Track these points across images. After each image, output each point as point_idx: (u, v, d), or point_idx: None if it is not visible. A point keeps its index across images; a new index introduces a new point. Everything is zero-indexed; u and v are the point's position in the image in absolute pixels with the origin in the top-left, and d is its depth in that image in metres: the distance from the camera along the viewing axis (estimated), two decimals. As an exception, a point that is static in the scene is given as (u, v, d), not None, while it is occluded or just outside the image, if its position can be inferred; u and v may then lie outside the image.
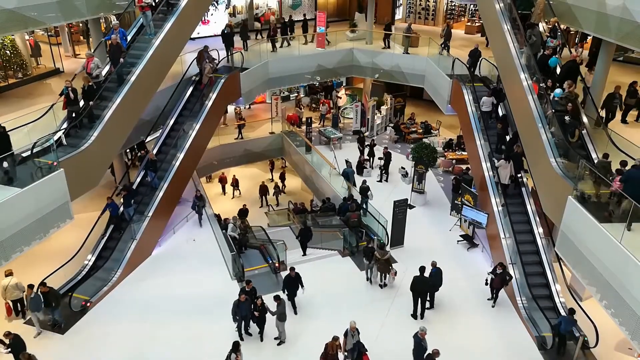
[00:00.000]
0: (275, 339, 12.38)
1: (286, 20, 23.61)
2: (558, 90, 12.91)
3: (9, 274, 12.73)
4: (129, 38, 15.66)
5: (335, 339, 10.93)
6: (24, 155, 11.54)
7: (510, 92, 15.49)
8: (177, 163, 16.39)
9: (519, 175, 15.15)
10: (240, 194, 24.12)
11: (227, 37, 19.83)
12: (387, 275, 14.36)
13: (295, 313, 13.26)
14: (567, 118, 12.33)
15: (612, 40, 13.16)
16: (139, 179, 16.33)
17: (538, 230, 14.19)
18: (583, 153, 12.07)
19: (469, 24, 29.92)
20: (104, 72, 14.72)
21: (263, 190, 23.37)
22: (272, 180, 25.87)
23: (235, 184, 23.70)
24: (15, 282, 12.70)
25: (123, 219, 15.22)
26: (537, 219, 14.36)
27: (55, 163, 11.50)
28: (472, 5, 30.14)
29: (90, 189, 13.73)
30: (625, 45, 13.10)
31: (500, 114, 17.24)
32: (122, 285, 14.29)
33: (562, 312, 12.72)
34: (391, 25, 23.90)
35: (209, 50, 18.85)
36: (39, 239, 11.25)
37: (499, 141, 16.30)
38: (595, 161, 11.58)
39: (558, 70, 13.96)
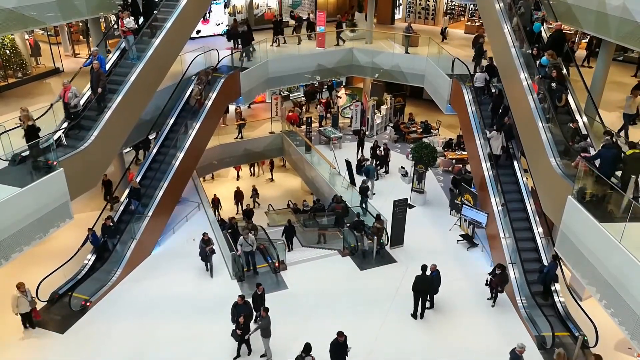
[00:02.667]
0: (262, 356, 11.97)
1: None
2: (544, 58, 13.60)
3: (19, 287, 12.06)
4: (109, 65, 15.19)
5: None
6: (23, 154, 11.55)
7: (510, 91, 15.50)
8: (177, 163, 16.39)
9: (510, 146, 15.79)
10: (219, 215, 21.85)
11: (245, 34, 20.20)
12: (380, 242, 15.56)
13: None
14: (553, 84, 12.99)
15: (612, 40, 13.17)
16: (121, 208, 15.65)
17: (538, 230, 14.20)
18: (569, 118, 12.90)
19: (468, 23, 29.93)
20: (82, 101, 13.72)
21: (238, 196, 22.43)
22: (272, 179, 25.87)
23: (217, 203, 21.48)
24: (16, 296, 11.99)
25: (106, 249, 14.56)
26: (537, 218, 14.38)
27: (55, 162, 11.50)
28: (472, 5, 30.13)
29: (90, 188, 13.72)
30: (625, 45, 13.12)
31: (493, 89, 17.57)
32: (121, 284, 14.28)
33: (562, 311, 12.77)
34: (342, 23, 24.16)
35: (209, 52, 18.86)
36: (38, 238, 11.25)
37: (492, 116, 16.82)
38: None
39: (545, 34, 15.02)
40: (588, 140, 11.86)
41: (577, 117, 13.03)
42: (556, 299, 13.03)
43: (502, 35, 15.69)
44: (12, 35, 19.69)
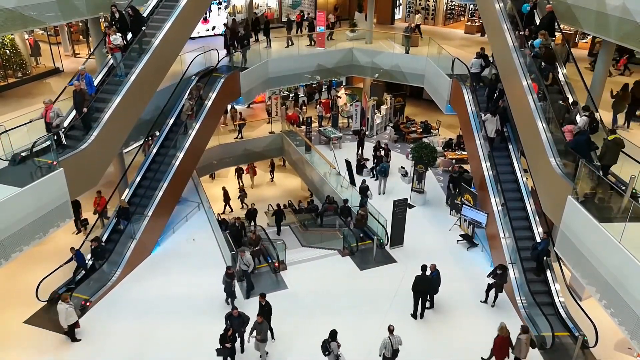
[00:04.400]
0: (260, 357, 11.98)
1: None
2: (537, 40, 13.95)
3: (64, 299, 11.86)
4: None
5: None
6: (23, 154, 11.54)
7: (510, 91, 15.50)
8: (177, 162, 16.39)
9: (505, 129, 16.30)
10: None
11: (243, 37, 20.11)
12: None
13: None
14: (542, 63, 13.47)
15: (612, 40, 13.18)
16: (109, 229, 15.17)
17: (537, 230, 14.21)
18: (560, 97, 13.26)
19: (468, 23, 29.96)
20: (66, 122, 13.13)
21: (226, 196, 22.04)
22: (272, 180, 25.86)
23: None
24: (64, 307, 11.76)
25: (92, 269, 14.04)
26: (537, 218, 14.38)
27: (54, 162, 11.50)
28: (471, 5, 30.15)
29: (89, 188, 13.72)
30: (625, 46, 13.12)
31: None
32: (121, 284, 14.28)
33: (562, 312, 12.78)
34: (315, 24, 24.51)
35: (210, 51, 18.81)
36: (38, 238, 11.23)
37: (488, 102, 17.21)
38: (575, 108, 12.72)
39: (537, 19, 15.30)
40: (575, 109, 12.17)
41: (568, 95, 13.35)
42: (556, 298, 13.04)
43: (502, 36, 15.69)
44: (12, 35, 19.70)
